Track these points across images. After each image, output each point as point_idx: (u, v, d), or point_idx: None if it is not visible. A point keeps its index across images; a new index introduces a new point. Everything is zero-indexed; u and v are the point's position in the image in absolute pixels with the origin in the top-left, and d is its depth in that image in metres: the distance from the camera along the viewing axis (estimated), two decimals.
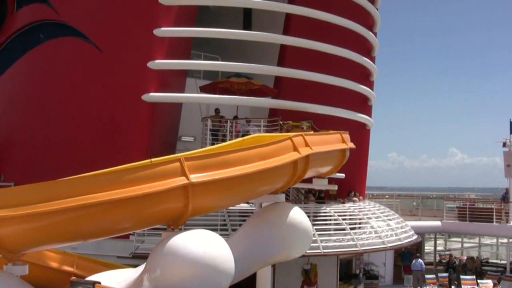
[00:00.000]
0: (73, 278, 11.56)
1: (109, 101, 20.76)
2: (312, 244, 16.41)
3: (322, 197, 23.77)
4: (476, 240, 40.03)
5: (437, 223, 35.38)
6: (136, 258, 16.71)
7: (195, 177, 9.53)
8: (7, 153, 23.33)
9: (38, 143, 22.17)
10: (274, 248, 12.84)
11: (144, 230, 17.48)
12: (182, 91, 23.00)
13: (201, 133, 22.63)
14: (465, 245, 41.46)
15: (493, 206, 34.75)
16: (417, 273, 30.17)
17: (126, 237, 17.85)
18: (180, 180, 9.38)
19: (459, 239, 41.41)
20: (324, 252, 19.44)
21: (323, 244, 19.53)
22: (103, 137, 20.67)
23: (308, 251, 16.37)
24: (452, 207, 37.64)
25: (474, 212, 34.66)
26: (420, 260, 31.74)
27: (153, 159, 10.58)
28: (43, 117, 22.21)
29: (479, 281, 27.78)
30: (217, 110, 22.70)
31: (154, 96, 20.28)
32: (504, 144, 35.67)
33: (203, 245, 9.17)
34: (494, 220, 32.98)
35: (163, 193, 9.16)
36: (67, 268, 13.96)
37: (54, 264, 13.87)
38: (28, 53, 23.39)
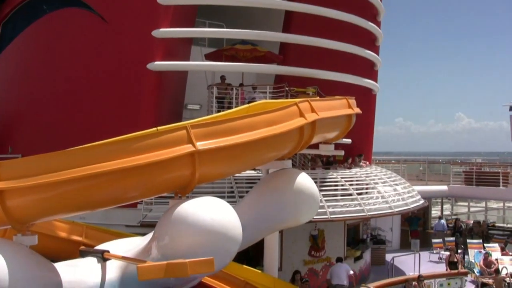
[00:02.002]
0: (82, 247, 11.63)
1: (115, 71, 20.70)
2: (319, 210, 16.50)
3: (331, 162, 23.75)
4: (483, 204, 40.18)
5: (444, 187, 35.50)
6: (144, 227, 16.78)
7: (201, 145, 9.51)
8: (15, 125, 23.41)
9: (44, 115, 22.21)
10: (281, 214, 12.88)
11: (151, 199, 17.54)
12: (188, 59, 22.91)
13: (207, 101, 22.60)
14: (472, 209, 41.66)
15: (499, 170, 34.77)
16: (440, 233, 30.83)
17: (134, 206, 17.93)
18: (187, 148, 9.36)
19: (466, 204, 41.62)
20: (331, 217, 19.45)
21: (330, 209, 19.56)
22: (109, 108, 20.64)
23: (315, 217, 16.42)
24: (459, 172, 37.74)
25: (481, 176, 34.77)
26: (442, 221, 32.25)
27: (159, 128, 10.57)
28: (48, 89, 22.22)
29: (485, 244, 27.93)
30: (223, 77, 22.64)
31: (160, 64, 20.20)
32: (511, 108, 35.59)
33: (210, 212, 9.18)
34: (501, 184, 33.05)
35: (170, 161, 9.15)
36: (76, 237, 14.07)
37: (63, 234, 13.99)
38: (32, 25, 23.33)
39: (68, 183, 8.42)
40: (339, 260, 21.13)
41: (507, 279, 22.93)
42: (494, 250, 26.87)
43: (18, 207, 8.39)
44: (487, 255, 25.45)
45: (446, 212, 38.63)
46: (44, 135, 21.90)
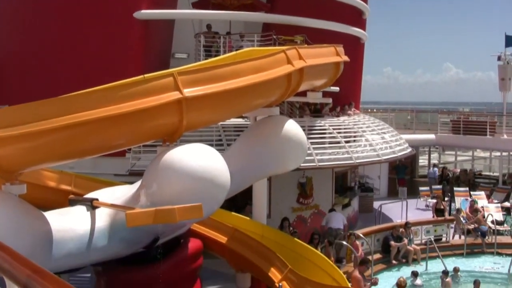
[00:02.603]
0: (72, 196, 11.69)
1: (101, 20, 20.44)
2: (307, 158, 16.58)
3: (318, 110, 23.72)
4: (470, 153, 40.48)
5: (431, 136, 35.67)
6: (133, 176, 16.77)
7: (188, 91, 9.46)
8: (0, 76, 23.17)
9: (30, 65, 21.95)
10: (269, 161, 12.97)
11: (140, 147, 17.55)
12: (174, 7, 22.64)
13: (194, 49, 22.45)
14: (459, 158, 41.99)
15: (487, 120, 34.92)
16: (432, 180, 31.49)
17: (122, 154, 17.95)
18: (174, 95, 9.31)
19: (453, 152, 41.87)
20: (319, 165, 19.52)
21: (318, 157, 19.60)
22: (96, 57, 20.45)
23: (303, 164, 16.51)
24: (446, 121, 37.89)
25: (468, 125, 34.94)
26: (435, 169, 32.77)
27: (146, 75, 10.50)
28: (33, 39, 21.91)
29: (472, 192, 28.25)
30: (208, 26, 22.47)
31: (146, 13, 19.97)
32: (499, 58, 35.50)
33: (198, 158, 9.21)
34: (488, 133, 33.23)
35: (157, 108, 9.10)
36: (65, 187, 14.08)
37: (52, 184, 13.98)
38: None
39: (55, 132, 8.35)
40: (332, 210, 21.63)
41: (491, 225, 23.29)
42: (480, 198, 27.19)
43: (5, 156, 8.34)
44: (473, 203, 25.73)
45: (433, 161, 38.91)
46: (30, 85, 21.70)
